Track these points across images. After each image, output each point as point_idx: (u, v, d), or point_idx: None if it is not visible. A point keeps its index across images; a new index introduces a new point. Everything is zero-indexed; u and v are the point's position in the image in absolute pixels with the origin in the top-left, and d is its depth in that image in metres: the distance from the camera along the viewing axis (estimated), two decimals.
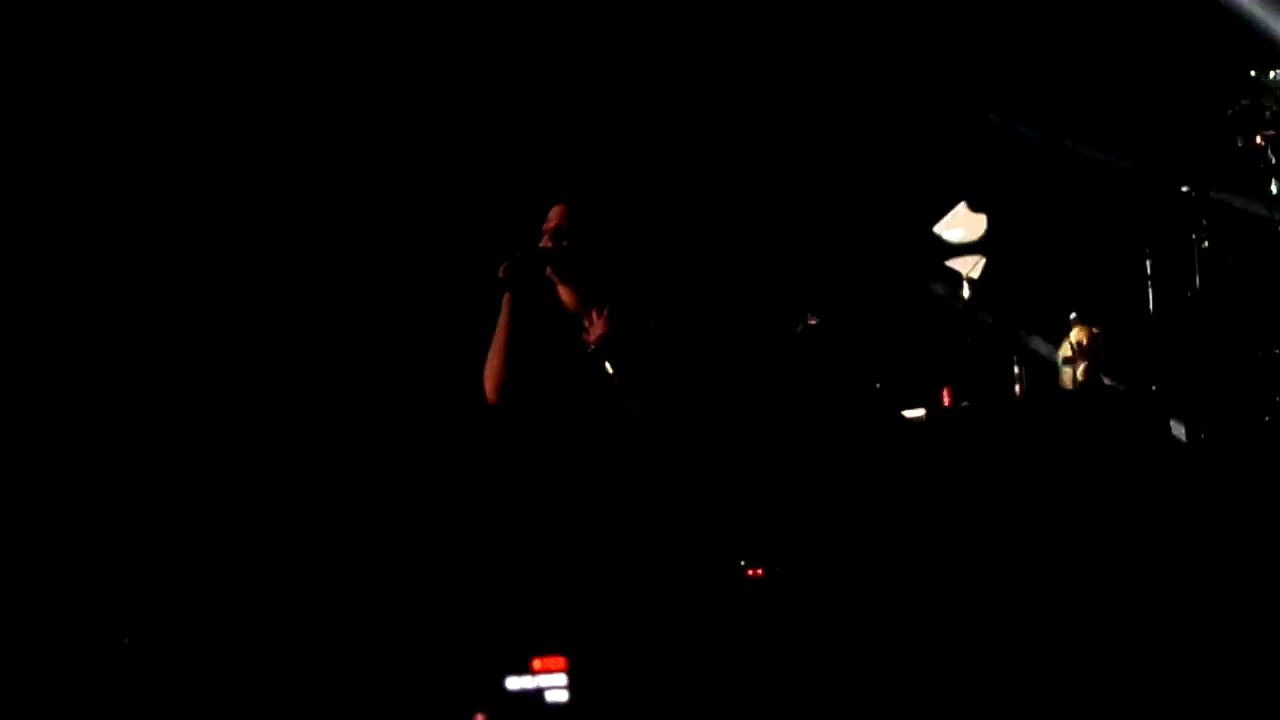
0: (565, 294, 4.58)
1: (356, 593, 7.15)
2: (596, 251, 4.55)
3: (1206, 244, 7.43)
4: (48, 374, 7.63)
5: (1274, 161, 7.23)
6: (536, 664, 5.00)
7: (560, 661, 4.81)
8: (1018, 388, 7.83)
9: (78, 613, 7.36)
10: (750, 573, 7.20)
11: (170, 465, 7.76)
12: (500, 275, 4.50)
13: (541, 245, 4.54)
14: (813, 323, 7.58)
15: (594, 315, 4.58)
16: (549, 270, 4.54)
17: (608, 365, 4.42)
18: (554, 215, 4.60)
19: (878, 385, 7.92)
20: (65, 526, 7.52)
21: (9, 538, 7.38)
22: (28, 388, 7.58)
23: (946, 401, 7.79)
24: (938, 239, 8.12)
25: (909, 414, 7.66)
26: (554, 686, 4.86)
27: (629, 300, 4.56)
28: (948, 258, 8.12)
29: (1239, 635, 6.39)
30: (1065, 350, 7.78)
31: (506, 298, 4.55)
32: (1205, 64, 7.69)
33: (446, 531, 7.30)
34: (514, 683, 4.82)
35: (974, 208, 8.09)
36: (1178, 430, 7.43)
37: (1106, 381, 7.72)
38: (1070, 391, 7.75)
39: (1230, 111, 7.32)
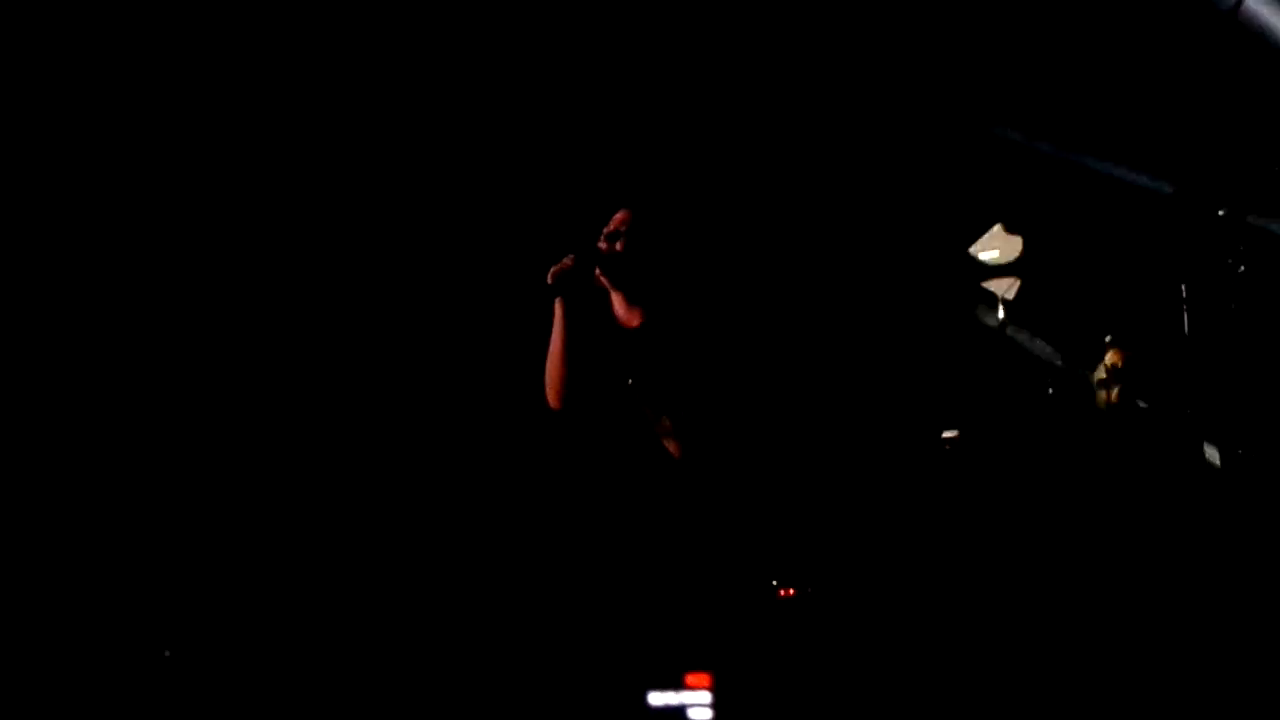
0: (615, 300, 4.56)
1: (496, 602, 7.14)
2: (649, 259, 4.53)
3: (1243, 268, 7.44)
4: (50, 375, 7.62)
5: None
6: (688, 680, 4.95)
7: (705, 679, 4.78)
8: (1053, 409, 7.85)
9: (95, 617, 7.37)
10: (782, 592, 7.22)
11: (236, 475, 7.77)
12: (550, 281, 4.48)
13: (597, 245, 4.52)
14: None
15: (632, 324, 4.57)
16: (599, 273, 4.52)
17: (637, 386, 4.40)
18: (615, 219, 4.58)
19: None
20: (77, 530, 7.51)
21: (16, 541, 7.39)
22: (28, 389, 7.58)
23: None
24: (973, 260, 8.14)
25: (945, 434, 7.69)
26: (698, 704, 4.82)
27: (670, 313, 4.54)
28: (983, 279, 8.13)
29: (1271, 653, 6.39)
30: (1100, 372, 7.80)
31: (559, 303, 4.52)
32: (1243, 86, 7.70)
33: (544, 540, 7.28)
34: (657, 698, 4.78)
35: (1010, 229, 8.11)
36: (1211, 453, 7.43)
37: (1141, 404, 7.73)
38: (1104, 413, 7.76)
39: (1268, 135, 7.34)
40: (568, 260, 4.45)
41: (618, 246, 4.53)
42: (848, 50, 7.99)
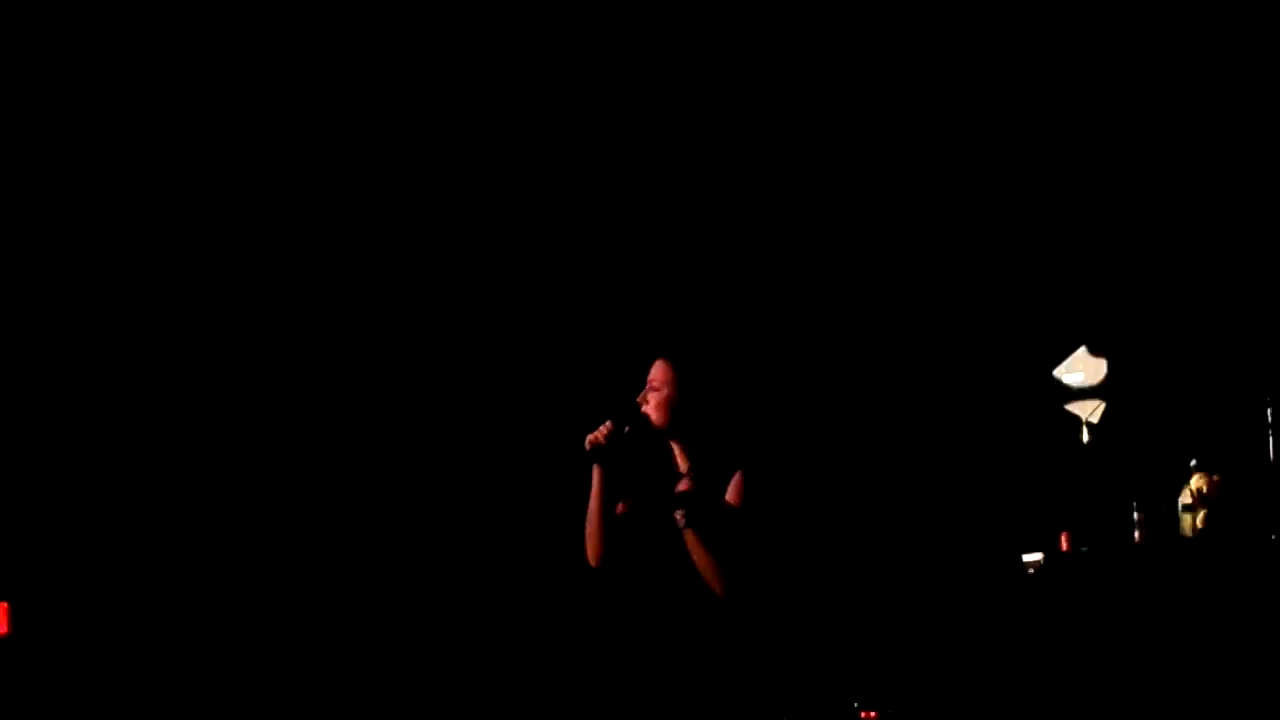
0: (677, 450, 4.65)
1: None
2: (699, 411, 4.62)
3: None
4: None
5: None
6: None
7: None
8: (1137, 534, 7.78)
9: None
10: (864, 715, 7.23)
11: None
12: (587, 449, 4.56)
13: (642, 407, 4.61)
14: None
15: (681, 469, 4.66)
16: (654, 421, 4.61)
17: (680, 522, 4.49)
18: (657, 374, 4.67)
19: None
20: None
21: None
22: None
23: (1065, 546, 7.78)
24: (1057, 382, 8.13)
25: (1027, 558, 7.66)
26: None
27: (721, 459, 4.62)
28: (1067, 401, 8.12)
29: None
30: (1185, 497, 7.72)
31: (597, 470, 4.60)
32: None
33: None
34: None
35: (1094, 351, 8.10)
36: None
37: (1227, 529, 7.65)
38: (1190, 539, 7.68)
39: None
40: (604, 430, 4.54)
41: (658, 404, 4.62)
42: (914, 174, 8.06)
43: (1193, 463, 7.75)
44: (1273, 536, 7.38)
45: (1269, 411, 7.53)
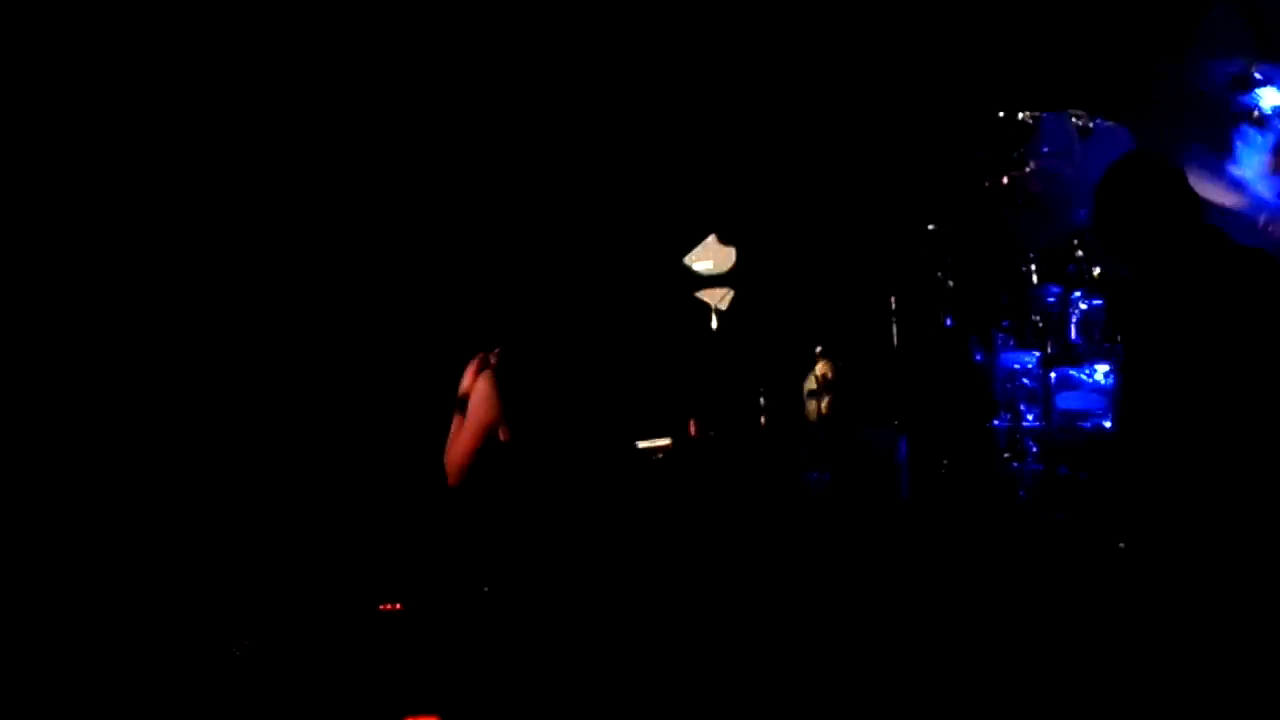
0: None
1: None
2: None
3: (952, 282, 7.55)
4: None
5: (1018, 201, 7.38)
6: None
7: None
8: (763, 419, 7.85)
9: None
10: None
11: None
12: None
13: None
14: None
15: None
16: None
17: None
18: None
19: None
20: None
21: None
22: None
23: (693, 431, 7.76)
24: (687, 270, 8.12)
25: (657, 443, 7.60)
26: None
27: None
28: (697, 289, 8.12)
29: None
30: (810, 383, 7.83)
31: None
32: (952, 102, 7.85)
33: None
34: None
35: (723, 240, 8.12)
36: (912, 461, 7.48)
37: (850, 414, 7.78)
38: (814, 423, 7.80)
39: (979, 152, 7.47)
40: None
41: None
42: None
43: (817, 349, 7.86)
44: (895, 422, 7.52)
45: (891, 299, 7.68)
